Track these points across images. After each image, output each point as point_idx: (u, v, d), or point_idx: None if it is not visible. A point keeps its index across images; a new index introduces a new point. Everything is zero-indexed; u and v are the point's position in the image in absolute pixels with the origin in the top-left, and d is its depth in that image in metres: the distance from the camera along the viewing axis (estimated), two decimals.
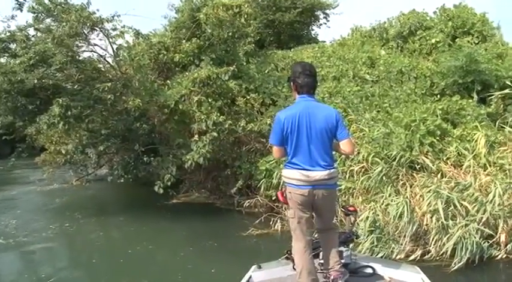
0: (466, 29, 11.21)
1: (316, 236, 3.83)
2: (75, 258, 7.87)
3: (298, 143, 3.45)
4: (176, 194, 10.94)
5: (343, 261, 3.79)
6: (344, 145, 3.56)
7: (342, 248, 3.87)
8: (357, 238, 4.89)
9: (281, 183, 3.73)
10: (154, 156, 10.52)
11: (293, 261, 3.77)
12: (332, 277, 3.55)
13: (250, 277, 3.88)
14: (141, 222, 9.42)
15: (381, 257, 6.04)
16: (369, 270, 3.91)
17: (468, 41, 10.04)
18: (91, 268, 7.09)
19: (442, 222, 5.82)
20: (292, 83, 3.63)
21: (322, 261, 3.76)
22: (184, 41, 10.83)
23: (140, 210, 10.32)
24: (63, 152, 12.17)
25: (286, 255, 4.10)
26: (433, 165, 6.86)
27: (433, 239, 5.94)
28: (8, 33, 9.80)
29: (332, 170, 3.49)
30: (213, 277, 6.28)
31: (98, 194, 13.62)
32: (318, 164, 3.43)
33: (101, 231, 9.07)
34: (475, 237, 5.71)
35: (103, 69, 10.68)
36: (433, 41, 11.37)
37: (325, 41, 17.59)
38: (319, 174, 3.40)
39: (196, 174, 10.66)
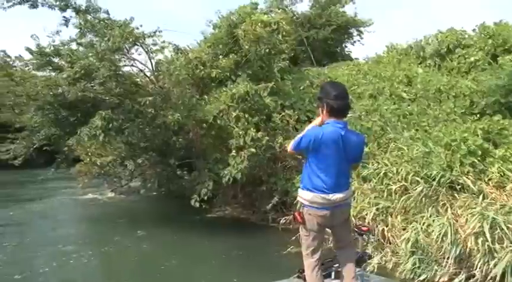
0: (507, 47, 10.99)
1: (334, 254, 3.87)
2: (110, 271, 7.94)
3: (325, 168, 3.45)
4: (209, 208, 10.96)
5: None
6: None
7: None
8: (369, 258, 4.81)
9: (298, 204, 3.72)
10: (188, 171, 10.61)
11: (304, 279, 3.84)
12: None
13: None
14: (175, 236, 9.53)
15: (423, 279, 5.93)
16: None
17: (510, 60, 9.83)
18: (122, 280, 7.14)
19: (488, 245, 5.67)
20: (325, 105, 3.49)
21: (334, 281, 3.86)
22: (221, 56, 10.98)
23: (174, 223, 10.41)
24: (99, 163, 12.42)
25: (298, 274, 4.10)
26: (474, 186, 6.71)
27: (478, 262, 5.78)
28: (52, 48, 10.13)
29: (350, 190, 3.68)
30: None
31: (131, 206, 13.77)
32: (339, 187, 3.50)
33: (135, 244, 9.13)
34: None
35: (140, 84, 10.93)
36: (472, 59, 11.16)
37: (358, 58, 17.60)
38: (339, 196, 3.47)
39: (231, 189, 10.68)
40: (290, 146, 3.69)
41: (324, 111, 3.54)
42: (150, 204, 13.81)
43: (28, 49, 10.32)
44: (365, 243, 4.36)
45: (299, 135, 3.60)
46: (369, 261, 6.58)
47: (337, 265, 3.84)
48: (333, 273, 3.86)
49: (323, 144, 3.41)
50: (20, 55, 10.88)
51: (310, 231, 3.57)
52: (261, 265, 7.49)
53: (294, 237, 8.18)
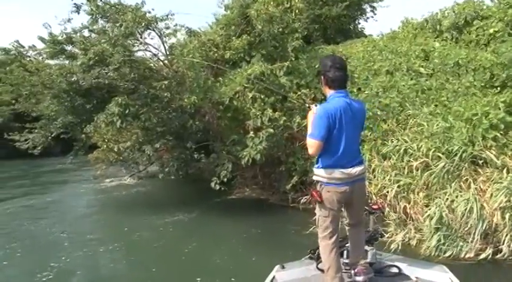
0: None
1: (346, 233, 3.82)
2: (135, 257, 7.85)
3: (339, 141, 3.40)
4: (228, 190, 10.96)
5: (368, 260, 3.78)
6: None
7: (366, 247, 3.85)
8: (381, 237, 4.77)
9: (314, 182, 3.62)
10: (205, 154, 10.61)
11: (316, 260, 3.87)
12: (355, 271, 3.60)
13: (274, 277, 3.87)
14: (196, 218, 9.61)
15: (449, 256, 5.88)
16: (395, 270, 3.83)
17: None
18: (149, 266, 7.03)
19: None
20: (322, 77, 3.54)
21: (346, 260, 3.79)
22: (234, 37, 10.86)
23: (194, 206, 10.45)
24: (116, 149, 12.47)
25: (310, 254, 4.07)
26: (498, 160, 6.58)
27: (505, 237, 5.71)
28: (64, 36, 10.11)
29: (365, 164, 3.70)
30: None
31: (150, 192, 13.85)
32: (356, 160, 3.49)
33: (157, 229, 9.14)
34: None
35: (154, 68, 10.89)
36: (491, 30, 10.84)
37: (372, 35, 17.29)
38: (358, 169, 3.45)
39: (249, 170, 10.66)
40: (311, 142, 3.38)
41: (323, 85, 3.57)
42: (169, 189, 13.86)
43: (41, 38, 10.33)
44: (375, 222, 4.30)
45: (310, 129, 3.44)
46: (389, 238, 6.61)
47: (348, 244, 3.81)
48: (345, 252, 3.82)
49: (337, 117, 3.37)
50: (33, 45, 10.91)
51: (329, 211, 3.49)
52: (281, 245, 7.52)
53: (314, 217, 8.18)
